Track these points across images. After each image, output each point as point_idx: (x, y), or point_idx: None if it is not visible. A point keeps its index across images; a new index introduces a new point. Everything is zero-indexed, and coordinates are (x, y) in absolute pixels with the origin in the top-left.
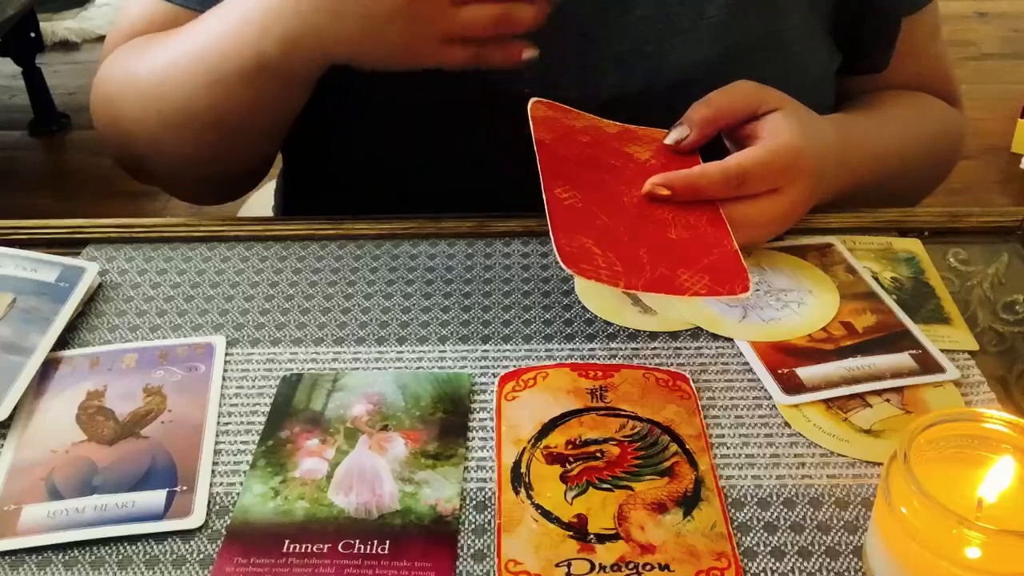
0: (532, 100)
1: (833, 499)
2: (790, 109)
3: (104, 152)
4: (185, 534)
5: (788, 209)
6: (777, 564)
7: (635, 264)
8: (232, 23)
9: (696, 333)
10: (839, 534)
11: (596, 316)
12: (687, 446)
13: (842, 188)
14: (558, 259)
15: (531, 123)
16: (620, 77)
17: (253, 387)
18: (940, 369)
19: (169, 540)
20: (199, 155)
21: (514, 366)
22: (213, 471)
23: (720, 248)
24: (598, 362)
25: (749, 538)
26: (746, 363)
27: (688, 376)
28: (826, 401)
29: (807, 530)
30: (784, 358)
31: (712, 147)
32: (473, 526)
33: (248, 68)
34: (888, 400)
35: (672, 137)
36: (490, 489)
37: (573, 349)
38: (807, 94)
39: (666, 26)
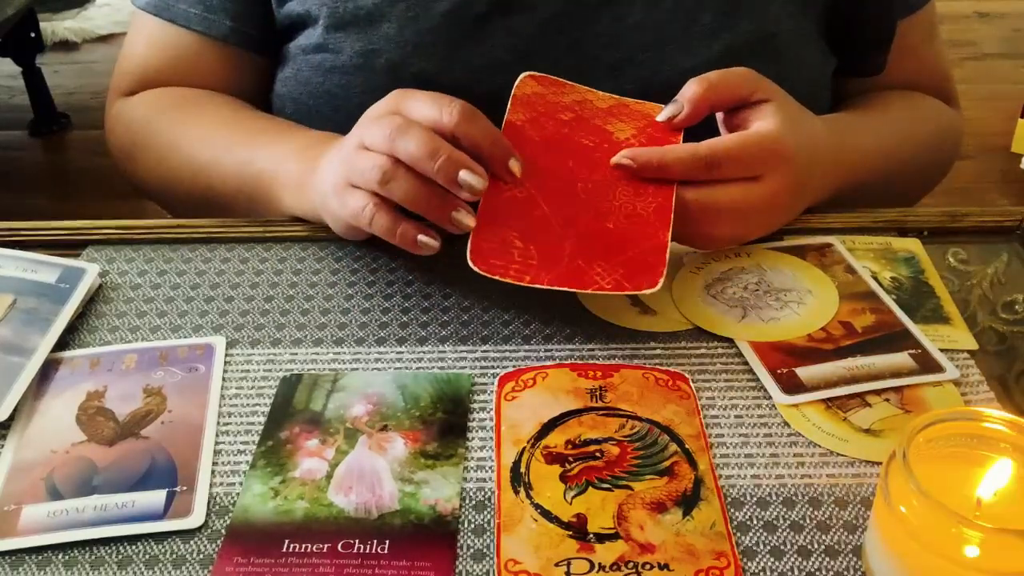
0: (524, 74)
1: (833, 498)
2: (782, 102)
3: (123, 177)
4: (185, 534)
5: (768, 200)
6: (776, 563)
7: (552, 258)
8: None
9: (696, 333)
10: (839, 533)
11: (596, 316)
12: (686, 446)
13: (838, 187)
14: (468, 258)
15: (510, 100)
16: (614, 85)
17: (253, 388)
18: (939, 369)
19: (169, 540)
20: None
21: (514, 366)
22: (213, 471)
23: (652, 240)
24: (597, 362)
25: (748, 537)
26: (745, 363)
27: (687, 376)
28: (825, 401)
29: (806, 529)
30: (783, 358)
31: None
32: (473, 526)
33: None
34: (887, 400)
35: (665, 113)
36: (490, 489)
37: (573, 349)
38: (802, 98)
39: (659, 34)
